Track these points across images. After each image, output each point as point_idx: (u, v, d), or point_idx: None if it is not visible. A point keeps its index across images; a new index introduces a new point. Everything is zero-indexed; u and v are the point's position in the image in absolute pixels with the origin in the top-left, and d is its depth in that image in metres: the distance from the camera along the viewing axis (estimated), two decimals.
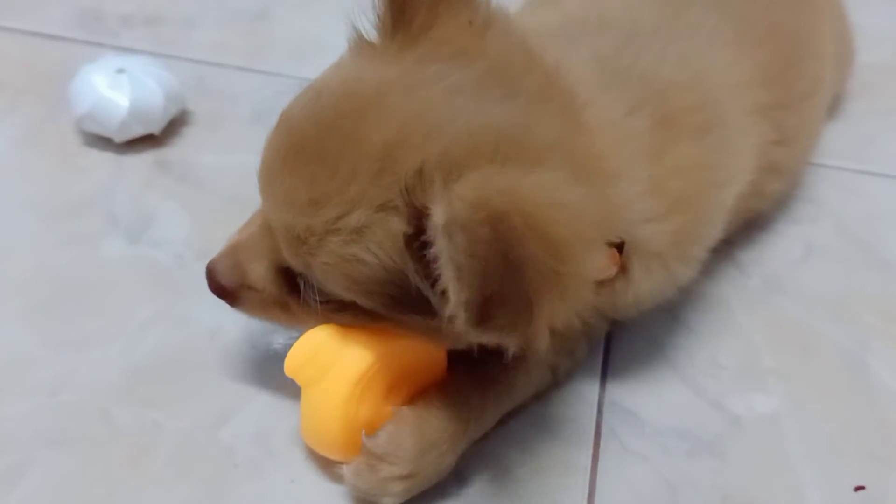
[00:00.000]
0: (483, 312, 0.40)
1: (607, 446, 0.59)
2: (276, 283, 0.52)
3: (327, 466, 0.55)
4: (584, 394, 0.62)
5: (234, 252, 0.53)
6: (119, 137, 0.79)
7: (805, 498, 0.57)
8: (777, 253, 0.75)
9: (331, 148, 0.45)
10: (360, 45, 0.50)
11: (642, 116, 0.54)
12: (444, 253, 0.39)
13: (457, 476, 0.56)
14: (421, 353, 0.54)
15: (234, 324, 0.64)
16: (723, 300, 0.71)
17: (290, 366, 0.52)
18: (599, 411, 0.61)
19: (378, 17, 0.49)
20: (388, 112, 0.45)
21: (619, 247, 0.52)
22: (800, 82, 0.68)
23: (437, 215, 0.40)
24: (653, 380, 0.64)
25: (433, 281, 0.42)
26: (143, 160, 0.78)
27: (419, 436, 0.52)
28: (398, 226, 0.44)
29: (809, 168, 0.84)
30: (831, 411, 0.63)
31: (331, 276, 0.47)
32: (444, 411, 0.53)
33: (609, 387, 0.63)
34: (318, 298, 0.49)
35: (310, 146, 0.46)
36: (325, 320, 0.52)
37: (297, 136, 0.47)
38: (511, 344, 0.43)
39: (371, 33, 0.50)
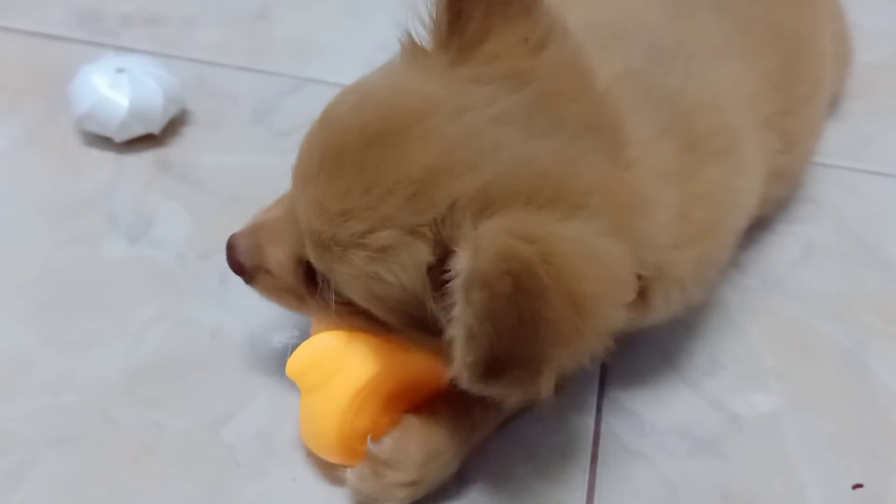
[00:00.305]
0: (489, 372, 0.40)
1: (607, 446, 0.59)
2: (295, 274, 0.51)
3: (329, 468, 0.55)
4: (584, 393, 0.62)
5: (256, 232, 0.52)
6: (119, 137, 0.79)
7: (805, 497, 0.57)
8: (777, 252, 0.75)
9: (370, 161, 0.44)
10: (411, 50, 0.49)
11: (671, 139, 0.52)
12: (459, 310, 0.39)
13: (457, 476, 0.56)
14: (424, 366, 0.53)
15: (235, 323, 0.64)
16: (723, 300, 0.71)
17: (293, 369, 0.52)
18: (599, 411, 0.61)
19: (433, 21, 0.48)
20: (433, 135, 0.44)
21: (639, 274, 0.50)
22: (801, 85, 0.68)
23: (461, 260, 0.39)
24: (653, 379, 0.64)
25: (449, 314, 0.41)
26: (143, 160, 0.78)
27: (425, 443, 0.52)
28: (423, 254, 0.44)
29: (809, 168, 0.85)
30: (831, 411, 0.63)
31: (351, 287, 0.47)
32: (449, 420, 0.53)
33: (609, 386, 0.63)
34: (335, 300, 0.49)
35: (349, 155, 0.45)
36: (338, 318, 0.51)
37: (337, 140, 0.46)
38: (516, 396, 0.43)
39: (424, 38, 0.49)
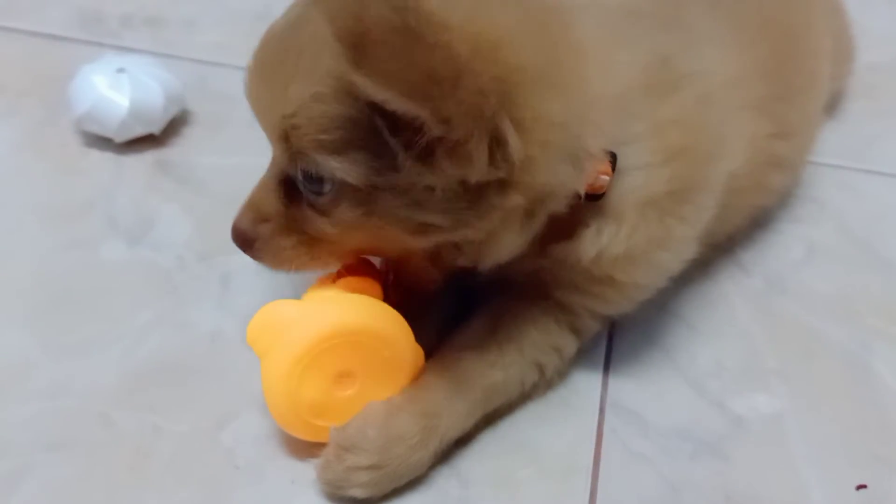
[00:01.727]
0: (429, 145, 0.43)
1: (609, 447, 0.59)
2: (279, 194, 0.53)
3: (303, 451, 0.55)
4: (586, 394, 0.62)
5: (248, 203, 0.55)
6: (119, 137, 0.78)
7: (808, 499, 0.57)
8: (779, 253, 0.75)
9: (290, 46, 0.49)
10: None
11: (648, 73, 0.55)
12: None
13: (458, 478, 0.56)
14: (382, 343, 0.53)
15: (235, 326, 0.64)
16: (725, 300, 0.70)
17: (250, 334, 0.54)
18: (601, 412, 0.61)
19: None
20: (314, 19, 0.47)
21: (613, 164, 0.52)
22: (795, 76, 0.69)
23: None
24: (655, 380, 0.64)
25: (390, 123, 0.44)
26: (143, 161, 0.78)
27: (386, 428, 0.53)
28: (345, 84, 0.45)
29: (812, 167, 0.84)
30: (834, 412, 0.62)
31: (310, 144, 0.48)
32: (413, 405, 0.54)
33: (611, 387, 0.63)
34: (313, 189, 0.50)
35: (273, 51, 0.50)
36: (333, 228, 0.51)
37: (265, 47, 0.51)
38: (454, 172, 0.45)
39: None
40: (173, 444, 0.56)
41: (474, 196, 0.47)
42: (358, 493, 0.52)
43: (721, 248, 0.73)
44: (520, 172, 0.46)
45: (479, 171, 0.45)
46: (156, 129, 0.79)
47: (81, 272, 0.68)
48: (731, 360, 0.65)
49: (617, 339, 0.66)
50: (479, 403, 0.57)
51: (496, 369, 0.58)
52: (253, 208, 0.54)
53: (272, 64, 0.50)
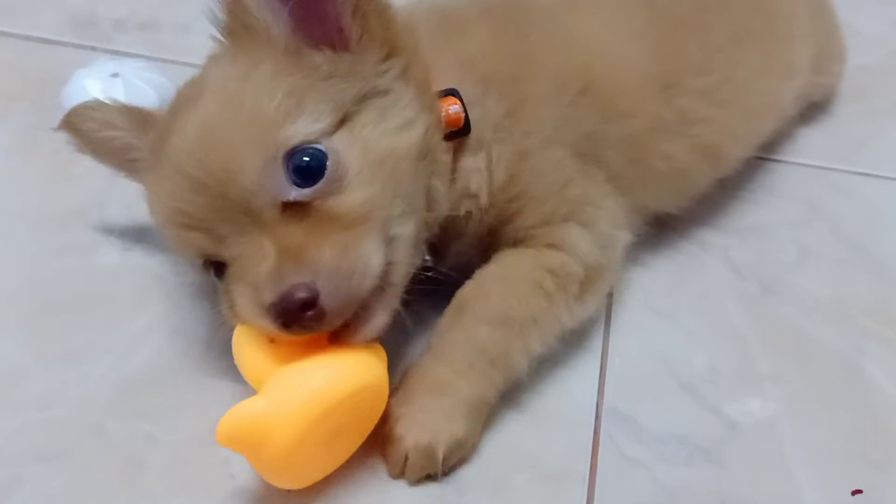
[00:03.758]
0: None
1: (605, 453, 0.58)
2: (295, 225, 0.49)
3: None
4: (582, 400, 0.62)
5: (273, 270, 0.48)
6: None
7: (803, 503, 0.57)
8: (773, 256, 0.75)
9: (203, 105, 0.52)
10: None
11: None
12: None
13: (455, 484, 0.55)
14: (359, 393, 0.51)
15: (229, 334, 0.63)
16: (719, 304, 0.70)
17: (222, 440, 0.48)
18: (597, 417, 0.60)
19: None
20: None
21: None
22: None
23: None
24: (650, 385, 0.63)
25: None
26: None
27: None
28: None
29: (803, 170, 0.84)
30: (828, 416, 0.62)
31: (296, 136, 0.50)
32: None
33: (607, 393, 0.62)
34: (314, 178, 0.50)
35: (202, 119, 0.52)
36: (359, 209, 0.51)
37: (191, 127, 0.52)
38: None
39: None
40: (167, 454, 0.55)
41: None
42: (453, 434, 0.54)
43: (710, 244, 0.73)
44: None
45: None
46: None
47: (74, 279, 0.67)
48: (725, 364, 0.65)
49: (612, 344, 0.66)
50: (491, 373, 0.57)
51: (498, 331, 0.58)
52: (281, 258, 0.48)
53: (197, 127, 0.51)
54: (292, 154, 0.50)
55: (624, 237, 0.66)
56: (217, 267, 0.53)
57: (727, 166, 0.75)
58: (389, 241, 0.52)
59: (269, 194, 0.49)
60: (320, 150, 0.50)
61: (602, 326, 0.67)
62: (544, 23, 0.65)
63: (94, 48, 0.89)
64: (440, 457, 0.54)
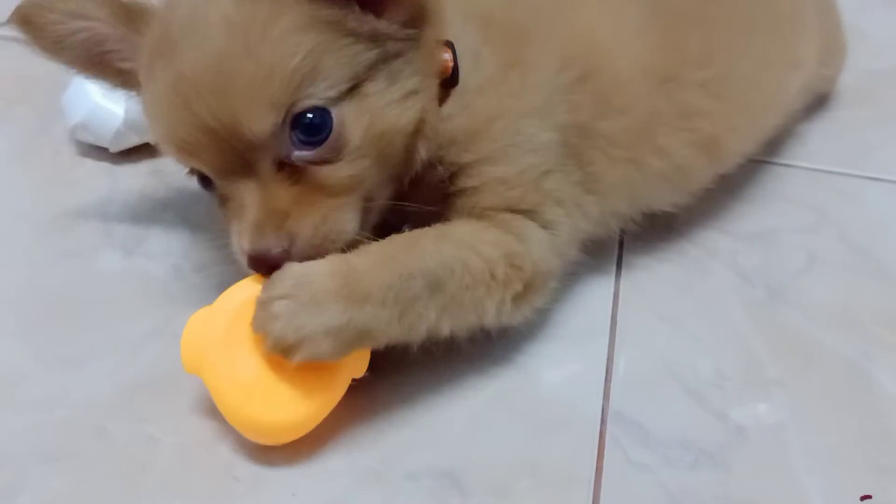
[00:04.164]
0: None
1: (611, 458, 0.59)
2: (286, 183, 0.54)
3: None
4: (587, 404, 0.63)
5: (254, 220, 0.55)
6: (114, 147, 0.79)
7: None
8: (780, 262, 0.76)
9: (208, 41, 0.53)
10: None
11: None
12: None
13: (458, 487, 0.56)
14: None
15: None
16: (726, 310, 0.71)
17: (185, 364, 0.55)
18: (603, 422, 0.62)
19: None
20: None
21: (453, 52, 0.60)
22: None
23: None
24: (656, 390, 0.64)
25: None
26: (138, 170, 0.79)
27: (300, 268, 0.54)
28: None
29: (811, 175, 0.85)
30: (835, 421, 0.63)
31: (305, 88, 0.52)
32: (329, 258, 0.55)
33: (612, 397, 0.63)
34: (315, 140, 0.53)
35: (197, 56, 0.53)
36: (349, 182, 0.55)
37: (182, 63, 0.53)
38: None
39: None
40: (170, 456, 0.57)
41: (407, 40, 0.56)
42: (278, 327, 0.52)
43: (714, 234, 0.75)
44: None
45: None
46: (151, 138, 0.80)
47: (76, 282, 0.69)
48: (732, 369, 0.66)
49: (618, 348, 0.67)
50: (409, 260, 0.56)
51: (429, 240, 0.58)
52: (265, 218, 0.54)
53: (210, 65, 0.52)
54: (300, 115, 0.53)
55: (573, 255, 0.66)
56: (202, 178, 0.58)
57: (728, 161, 0.76)
58: (365, 210, 0.56)
59: (271, 151, 0.53)
60: (328, 117, 0.53)
61: (607, 331, 0.69)
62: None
63: None
64: (292, 358, 0.53)
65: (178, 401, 0.60)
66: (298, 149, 0.54)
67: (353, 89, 0.54)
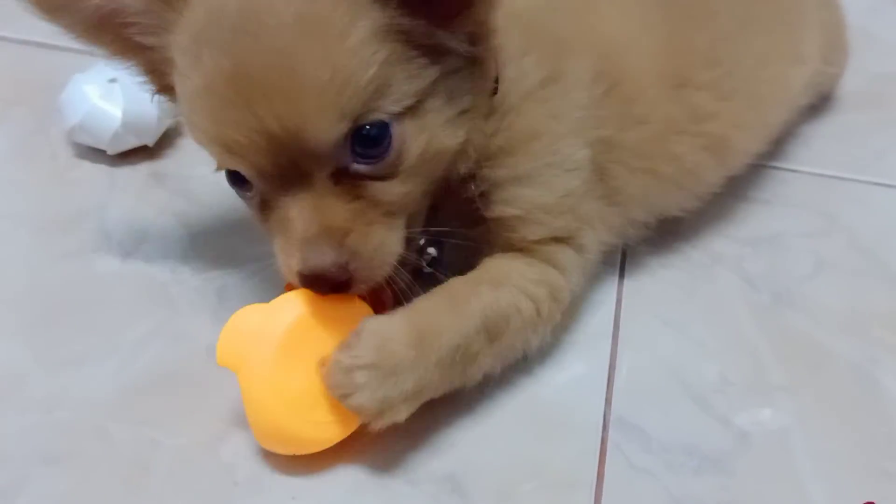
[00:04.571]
0: None
1: (613, 462, 0.61)
2: (344, 198, 0.54)
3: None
4: (590, 409, 0.64)
5: (310, 237, 0.54)
6: (112, 149, 0.80)
7: None
8: (787, 267, 0.78)
9: (271, 37, 0.50)
10: None
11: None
12: None
13: (460, 492, 0.58)
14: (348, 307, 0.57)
15: None
16: (732, 314, 0.73)
17: (219, 355, 0.56)
18: (605, 427, 0.63)
19: None
20: None
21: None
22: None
23: None
24: (659, 395, 0.66)
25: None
26: (136, 172, 0.81)
27: (378, 331, 0.55)
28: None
29: (820, 180, 0.87)
30: (841, 427, 0.64)
31: (370, 100, 0.52)
32: (403, 313, 0.57)
33: (615, 402, 0.65)
34: (374, 154, 0.53)
35: (256, 52, 0.50)
36: (402, 198, 0.56)
37: (237, 57, 0.51)
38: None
39: None
40: (171, 458, 0.59)
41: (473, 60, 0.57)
42: (363, 398, 0.54)
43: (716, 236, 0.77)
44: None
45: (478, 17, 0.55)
46: (149, 140, 0.82)
47: (75, 284, 0.70)
48: (736, 374, 0.68)
49: (621, 352, 0.69)
50: (474, 315, 0.59)
51: (487, 288, 0.60)
52: (322, 233, 0.53)
53: (280, 65, 0.49)
54: (361, 127, 0.52)
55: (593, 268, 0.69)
56: (237, 178, 0.56)
57: (736, 161, 0.78)
58: (408, 239, 0.57)
59: (330, 162, 0.53)
60: (387, 132, 0.53)
61: (610, 335, 0.70)
62: (583, 4, 0.67)
63: (91, 53, 0.93)
64: (372, 424, 0.55)
65: (178, 403, 0.62)
66: (359, 161, 0.53)
67: (414, 105, 0.54)
